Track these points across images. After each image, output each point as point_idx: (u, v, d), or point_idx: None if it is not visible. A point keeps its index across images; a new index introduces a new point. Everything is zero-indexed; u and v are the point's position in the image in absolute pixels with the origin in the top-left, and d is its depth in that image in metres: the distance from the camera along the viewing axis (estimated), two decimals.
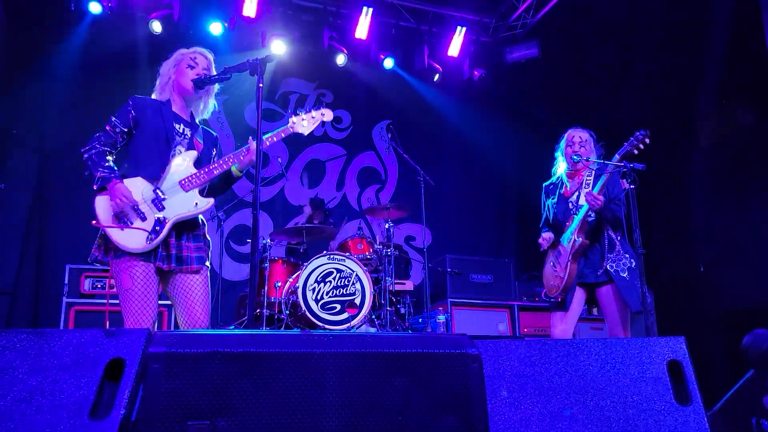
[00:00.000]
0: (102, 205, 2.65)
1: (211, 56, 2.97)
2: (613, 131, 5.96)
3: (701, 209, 6.17)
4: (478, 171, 7.70)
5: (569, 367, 1.84)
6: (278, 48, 6.49)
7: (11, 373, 1.52)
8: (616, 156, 3.40)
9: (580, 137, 3.69)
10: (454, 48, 7.07)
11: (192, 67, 2.87)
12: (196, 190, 2.78)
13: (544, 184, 3.85)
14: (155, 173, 2.74)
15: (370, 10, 6.57)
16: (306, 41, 6.79)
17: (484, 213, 7.78)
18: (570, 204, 3.62)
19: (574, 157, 3.60)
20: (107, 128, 2.76)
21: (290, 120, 2.96)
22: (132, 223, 2.63)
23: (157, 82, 2.93)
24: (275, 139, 2.91)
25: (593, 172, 3.63)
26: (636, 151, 3.38)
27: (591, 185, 3.55)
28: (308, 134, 3.01)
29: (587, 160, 3.60)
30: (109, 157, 2.72)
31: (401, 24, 7.14)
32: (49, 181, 5.94)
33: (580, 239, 3.46)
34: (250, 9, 6.24)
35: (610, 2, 5.91)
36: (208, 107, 2.99)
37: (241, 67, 2.75)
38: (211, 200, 2.81)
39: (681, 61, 6.21)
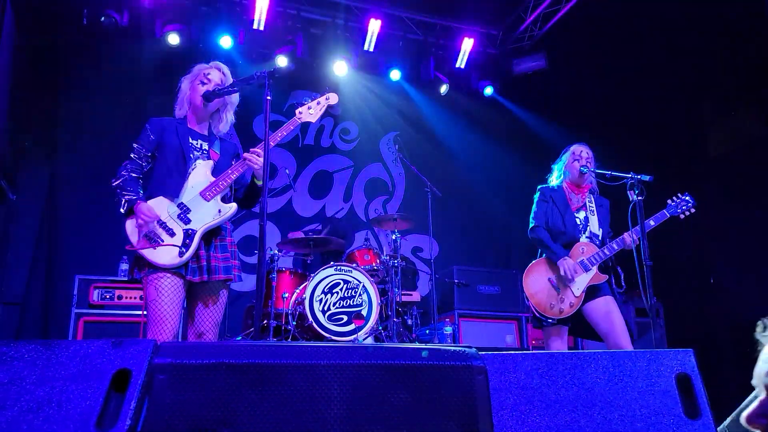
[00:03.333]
0: (131, 228, 2.71)
1: (227, 70, 2.99)
2: (620, 143, 5.96)
3: (711, 220, 6.13)
4: (485, 182, 7.68)
5: (576, 379, 1.83)
6: (286, 61, 6.55)
7: (19, 383, 1.53)
8: (666, 213, 3.58)
9: (587, 153, 3.72)
10: (462, 60, 7.09)
11: (204, 83, 2.90)
12: (218, 198, 2.81)
13: (540, 186, 3.82)
14: (176, 191, 2.77)
15: (378, 22, 6.62)
16: (313, 54, 6.83)
17: (491, 224, 7.74)
18: (578, 221, 3.61)
19: (582, 168, 3.61)
20: (132, 156, 2.82)
21: (297, 111, 3.00)
22: (162, 241, 2.67)
23: (177, 96, 2.97)
24: (285, 132, 2.95)
25: (594, 199, 3.69)
26: (683, 216, 3.60)
27: (595, 212, 3.63)
28: (317, 120, 3.06)
29: (594, 171, 3.62)
30: (139, 182, 2.80)
31: (408, 36, 7.18)
32: (59, 192, 5.98)
33: (606, 275, 3.50)
34: (258, 23, 6.30)
35: (618, 14, 5.91)
36: (225, 121, 2.99)
37: (249, 80, 2.79)
38: (234, 205, 2.84)
39: (690, 71, 6.20)
